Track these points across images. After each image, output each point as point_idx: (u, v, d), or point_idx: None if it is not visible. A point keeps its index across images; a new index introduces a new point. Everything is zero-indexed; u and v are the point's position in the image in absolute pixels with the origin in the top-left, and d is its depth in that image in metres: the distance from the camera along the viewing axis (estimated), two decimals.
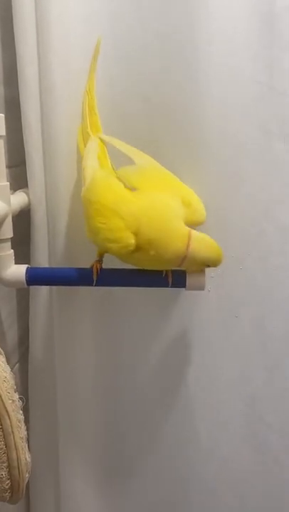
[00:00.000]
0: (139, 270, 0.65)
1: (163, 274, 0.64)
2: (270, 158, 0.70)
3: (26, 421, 0.82)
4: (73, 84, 0.68)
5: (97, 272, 0.64)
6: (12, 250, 0.64)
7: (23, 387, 0.83)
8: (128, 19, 0.67)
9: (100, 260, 0.66)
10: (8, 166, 0.66)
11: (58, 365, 0.79)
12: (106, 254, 0.66)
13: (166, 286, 0.64)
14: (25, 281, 0.64)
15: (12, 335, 0.79)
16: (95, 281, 0.64)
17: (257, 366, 0.76)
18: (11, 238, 0.64)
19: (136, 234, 0.58)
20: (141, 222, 0.58)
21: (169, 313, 0.76)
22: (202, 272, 0.64)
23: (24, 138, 0.70)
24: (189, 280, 0.64)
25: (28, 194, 0.72)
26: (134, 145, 0.67)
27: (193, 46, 0.67)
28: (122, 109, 0.70)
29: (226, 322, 0.75)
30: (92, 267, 0.65)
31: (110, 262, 0.65)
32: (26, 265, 0.65)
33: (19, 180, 0.73)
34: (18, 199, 0.69)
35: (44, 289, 0.77)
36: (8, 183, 0.62)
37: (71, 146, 0.70)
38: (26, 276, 0.64)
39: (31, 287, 0.77)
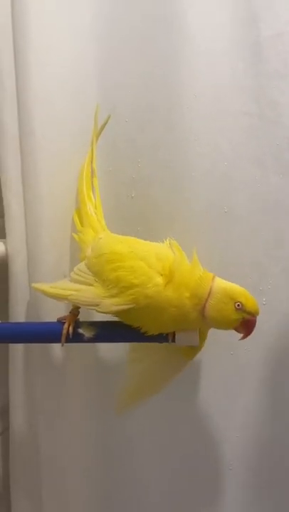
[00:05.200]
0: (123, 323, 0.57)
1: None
2: (266, 193, 0.63)
3: (7, 500, 0.72)
4: (54, 129, 0.65)
5: (67, 331, 0.56)
6: None
7: (4, 462, 0.73)
8: (114, 62, 0.66)
9: (75, 312, 0.58)
10: None
11: (42, 438, 0.69)
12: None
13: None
14: None
15: None
16: (63, 342, 0.56)
17: None
18: None
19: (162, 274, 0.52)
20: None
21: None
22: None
23: (2, 185, 0.67)
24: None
25: (5, 244, 0.67)
26: (123, 182, 0.67)
27: (179, 81, 0.64)
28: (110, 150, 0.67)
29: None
30: (60, 321, 0.57)
31: None
32: None
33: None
34: None
35: (24, 349, 0.69)
36: None
37: (53, 192, 0.65)
38: None
39: (10, 347, 0.69)
